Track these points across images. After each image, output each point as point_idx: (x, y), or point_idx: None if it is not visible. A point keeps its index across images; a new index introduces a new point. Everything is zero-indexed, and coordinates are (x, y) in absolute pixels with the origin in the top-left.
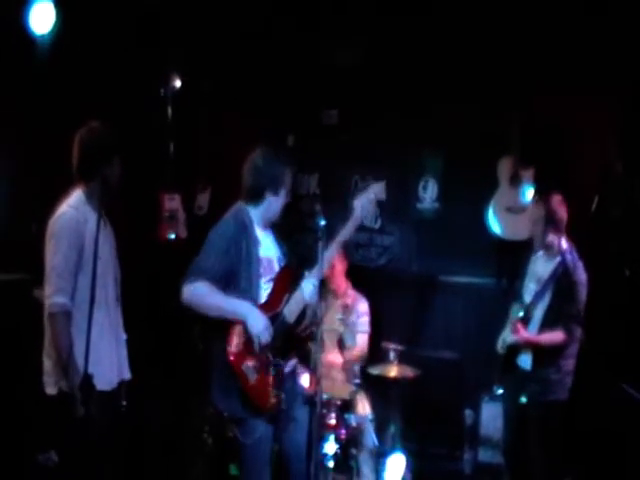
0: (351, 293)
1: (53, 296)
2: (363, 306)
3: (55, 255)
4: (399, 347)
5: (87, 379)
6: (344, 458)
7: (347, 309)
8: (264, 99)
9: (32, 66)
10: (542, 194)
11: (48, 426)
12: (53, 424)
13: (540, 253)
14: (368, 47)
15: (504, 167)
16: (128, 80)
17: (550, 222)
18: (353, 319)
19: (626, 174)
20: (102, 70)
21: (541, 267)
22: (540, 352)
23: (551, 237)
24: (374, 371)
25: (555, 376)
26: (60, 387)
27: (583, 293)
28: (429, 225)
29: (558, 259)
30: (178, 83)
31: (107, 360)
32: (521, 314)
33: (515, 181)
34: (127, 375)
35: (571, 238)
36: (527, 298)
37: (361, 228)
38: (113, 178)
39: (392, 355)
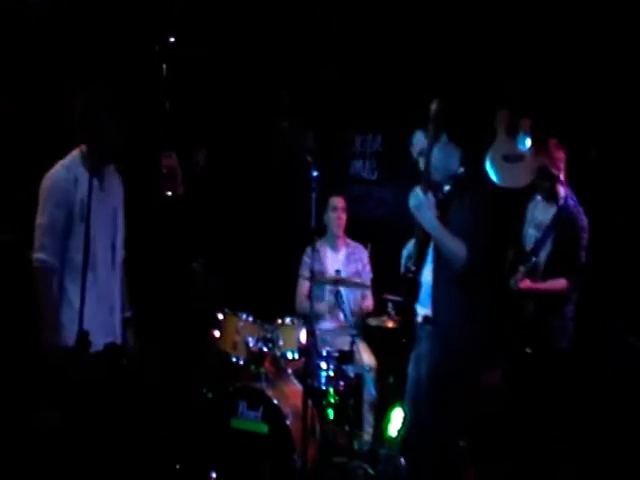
0: (350, 242)
1: (36, 252)
2: (365, 256)
3: (41, 213)
4: (398, 299)
5: (83, 336)
6: (344, 410)
7: (352, 257)
8: (259, 54)
9: (28, 23)
10: (541, 142)
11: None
12: (49, 382)
13: (538, 198)
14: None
15: (502, 118)
16: (122, 37)
17: (548, 166)
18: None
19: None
20: (97, 26)
21: (541, 213)
22: (543, 299)
23: (549, 182)
24: (373, 322)
25: (558, 322)
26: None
27: (585, 238)
28: None
29: (559, 204)
30: (172, 40)
31: (90, 324)
32: (534, 259)
33: (513, 131)
34: (118, 339)
35: (570, 185)
36: (528, 244)
37: (358, 180)
38: (110, 140)
39: (390, 306)
